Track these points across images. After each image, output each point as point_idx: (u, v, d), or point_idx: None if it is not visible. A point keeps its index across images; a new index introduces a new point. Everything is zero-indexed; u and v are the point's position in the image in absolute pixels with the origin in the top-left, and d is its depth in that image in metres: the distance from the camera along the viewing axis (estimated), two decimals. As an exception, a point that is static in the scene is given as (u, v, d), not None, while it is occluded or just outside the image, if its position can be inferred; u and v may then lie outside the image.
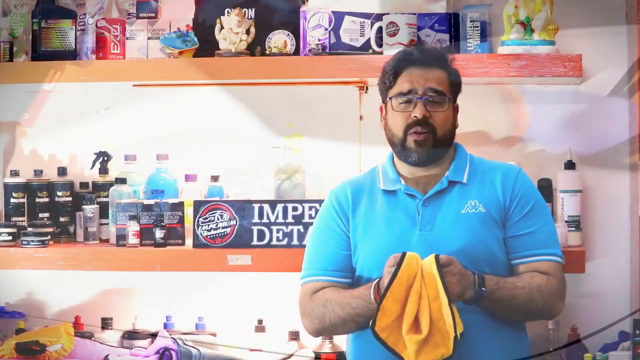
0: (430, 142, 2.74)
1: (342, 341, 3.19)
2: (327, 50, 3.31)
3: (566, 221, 3.29)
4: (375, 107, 2.89)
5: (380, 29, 3.29)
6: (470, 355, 2.64)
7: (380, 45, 3.30)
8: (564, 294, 2.78)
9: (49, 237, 3.45)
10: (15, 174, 3.58)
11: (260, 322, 3.49)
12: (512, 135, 3.50)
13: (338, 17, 3.33)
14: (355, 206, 2.82)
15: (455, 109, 2.83)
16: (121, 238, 3.39)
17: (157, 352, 3.25)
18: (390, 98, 2.78)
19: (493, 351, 2.70)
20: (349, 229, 2.82)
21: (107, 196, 3.53)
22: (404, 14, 3.28)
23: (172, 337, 3.27)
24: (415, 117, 2.73)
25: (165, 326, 3.55)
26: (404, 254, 2.59)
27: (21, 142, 3.77)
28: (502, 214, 2.75)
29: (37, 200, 3.55)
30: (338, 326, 2.77)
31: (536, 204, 2.78)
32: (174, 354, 3.22)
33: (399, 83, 2.77)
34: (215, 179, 3.51)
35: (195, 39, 3.39)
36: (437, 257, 2.57)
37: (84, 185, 3.60)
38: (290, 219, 3.28)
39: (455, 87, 2.81)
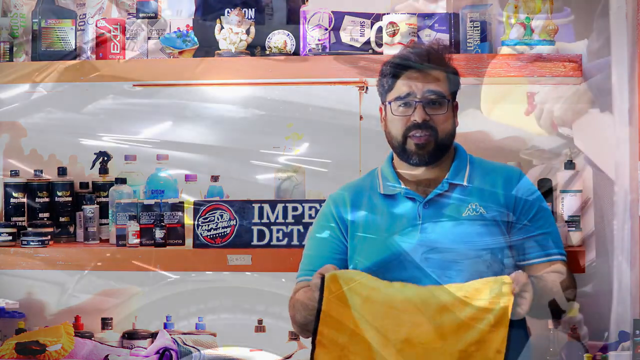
0: (432, 144, 2.73)
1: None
2: (327, 50, 3.31)
3: (566, 221, 3.29)
4: (375, 107, 2.88)
5: (380, 29, 3.29)
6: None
7: (380, 45, 3.29)
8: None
9: (49, 237, 3.45)
10: (15, 174, 3.58)
11: (260, 322, 3.49)
12: (512, 135, 3.50)
13: (338, 17, 3.33)
14: (354, 211, 2.82)
15: (455, 107, 2.82)
16: (121, 238, 3.39)
17: (157, 352, 3.25)
18: (389, 102, 2.77)
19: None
20: (346, 236, 2.81)
21: (107, 196, 3.53)
22: (404, 14, 3.28)
23: (172, 337, 3.27)
24: (415, 120, 2.72)
25: (165, 326, 3.55)
26: (322, 277, 2.58)
27: (21, 142, 3.76)
28: (504, 218, 2.74)
29: (37, 200, 3.55)
30: (307, 325, 2.75)
31: (541, 206, 2.79)
32: (174, 354, 3.22)
33: (397, 87, 2.76)
34: (215, 179, 3.51)
35: (195, 39, 3.39)
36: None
37: (84, 185, 3.60)
38: (290, 219, 3.28)
39: (454, 85, 2.80)
